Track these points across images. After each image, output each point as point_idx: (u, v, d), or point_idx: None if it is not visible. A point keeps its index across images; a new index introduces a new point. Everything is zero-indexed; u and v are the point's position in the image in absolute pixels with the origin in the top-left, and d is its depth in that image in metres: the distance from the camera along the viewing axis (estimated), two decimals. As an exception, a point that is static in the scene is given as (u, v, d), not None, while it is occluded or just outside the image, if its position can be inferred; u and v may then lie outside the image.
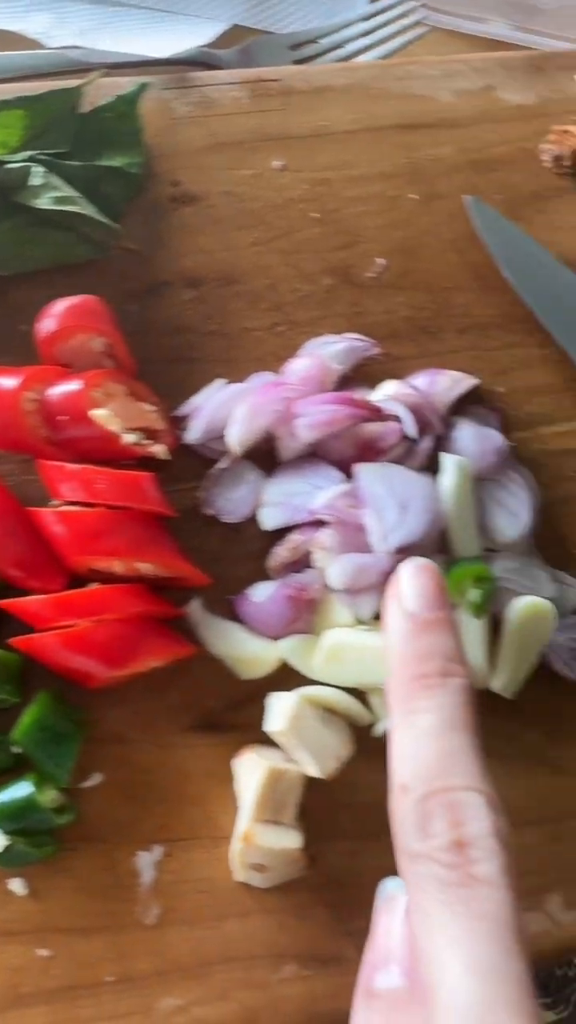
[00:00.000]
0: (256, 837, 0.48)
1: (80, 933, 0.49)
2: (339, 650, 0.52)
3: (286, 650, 0.53)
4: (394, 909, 0.42)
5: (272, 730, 0.50)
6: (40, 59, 0.69)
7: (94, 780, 0.51)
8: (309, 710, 0.51)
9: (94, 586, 0.52)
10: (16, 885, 0.49)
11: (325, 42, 0.75)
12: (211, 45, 0.74)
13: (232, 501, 0.56)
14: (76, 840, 0.51)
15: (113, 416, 0.52)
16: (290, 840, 0.49)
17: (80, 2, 0.75)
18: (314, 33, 0.76)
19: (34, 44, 0.73)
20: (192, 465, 0.57)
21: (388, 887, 0.44)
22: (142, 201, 0.63)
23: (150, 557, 0.51)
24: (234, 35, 0.77)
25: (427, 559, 0.43)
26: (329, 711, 0.52)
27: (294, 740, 0.49)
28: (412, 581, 0.41)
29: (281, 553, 0.55)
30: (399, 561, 0.52)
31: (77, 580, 0.53)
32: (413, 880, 0.35)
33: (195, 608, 0.55)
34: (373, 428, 0.56)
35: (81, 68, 0.69)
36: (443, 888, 0.34)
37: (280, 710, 0.51)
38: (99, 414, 0.52)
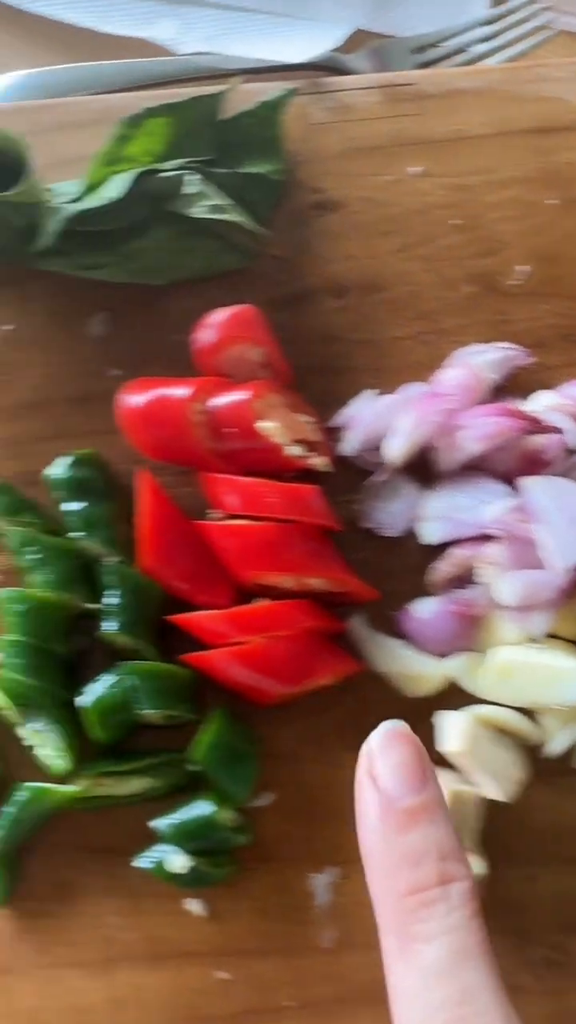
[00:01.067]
0: None
1: (258, 955, 0.48)
2: (509, 668, 0.51)
3: (454, 668, 0.52)
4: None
5: (448, 750, 0.49)
6: (172, 66, 0.68)
7: (266, 799, 0.51)
8: (483, 730, 0.50)
9: (263, 601, 0.51)
10: (194, 905, 0.48)
11: (448, 45, 0.74)
12: (335, 50, 0.73)
13: (390, 514, 0.55)
14: (251, 860, 0.50)
15: (279, 428, 0.52)
16: (473, 866, 0.47)
17: (205, 7, 0.74)
18: (436, 36, 0.75)
19: (161, 51, 0.73)
20: (347, 477, 0.56)
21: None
22: (285, 208, 0.62)
23: (321, 572, 0.50)
24: (355, 40, 0.76)
25: (400, 722, 0.35)
26: (501, 731, 0.51)
27: (472, 761, 0.48)
28: (386, 755, 0.34)
29: (444, 568, 0.54)
30: (572, 578, 0.52)
31: (243, 595, 0.52)
32: None
33: (358, 624, 0.54)
34: (536, 440, 0.54)
35: (212, 75, 0.68)
36: None
37: (454, 730, 0.50)
38: (267, 427, 0.51)
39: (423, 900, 0.31)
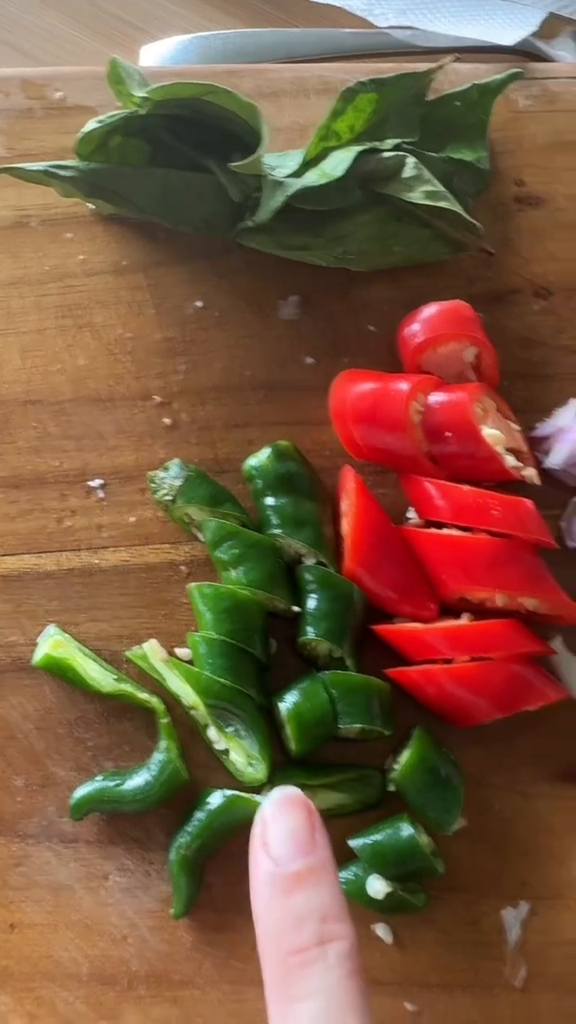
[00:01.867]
0: None
1: (445, 989, 0.46)
2: None
3: None
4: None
5: None
6: (368, 38, 0.64)
7: (457, 825, 0.48)
8: None
9: (469, 617, 0.48)
10: (382, 931, 0.46)
11: None
12: (534, 34, 0.69)
13: (596, 534, 0.53)
14: (438, 890, 0.48)
15: (500, 436, 0.49)
16: None
17: (398, -22, 0.70)
18: None
19: (354, 21, 0.69)
20: (549, 491, 0.53)
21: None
22: (485, 200, 0.59)
23: (536, 592, 0.47)
24: (553, 25, 0.72)
25: (292, 787, 0.37)
26: None
27: None
28: (277, 821, 0.35)
29: None
30: None
31: (445, 607, 0.49)
32: None
33: (559, 647, 0.51)
34: None
35: (410, 51, 0.65)
36: None
37: None
38: (490, 433, 0.48)
39: (302, 960, 0.32)
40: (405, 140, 0.55)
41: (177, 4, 0.69)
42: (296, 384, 0.54)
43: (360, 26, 0.67)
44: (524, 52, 0.68)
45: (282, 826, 0.35)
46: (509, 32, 0.65)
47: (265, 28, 0.66)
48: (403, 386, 0.47)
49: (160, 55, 0.66)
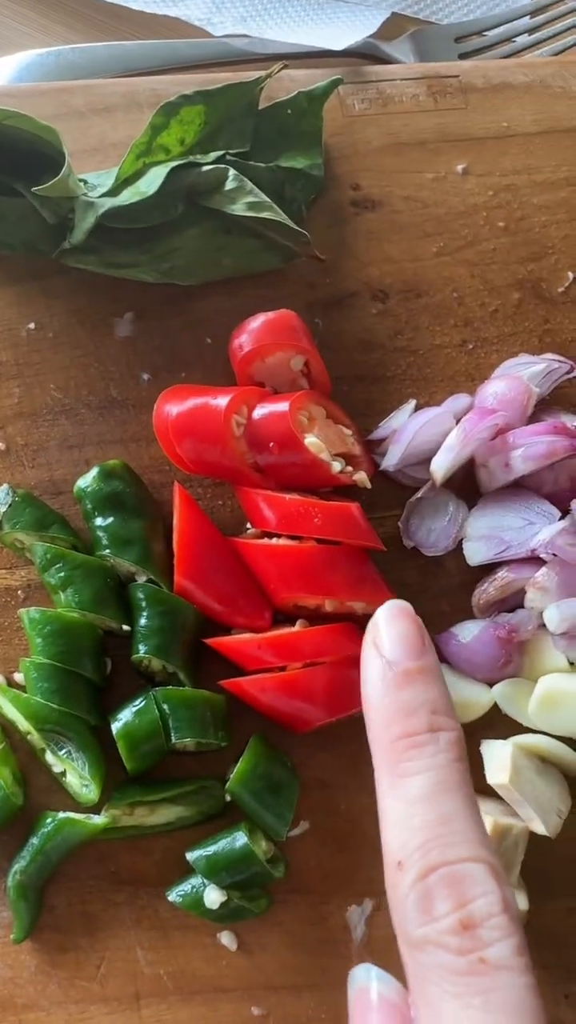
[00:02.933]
0: None
1: (292, 991, 0.47)
2: (555, 697, 0.49)
3: (498, 695, 0.50)
4: (368, 1004, 0.36)
5: (494, 783, 0.48)
6: (205, 48, 0.65)
7: (301, 828, 0.48)
8: (527, 761, 0.48)
9: (302, 624, 0.49)
10: (226, 939, 0.46)
11: (492, 35, 0.71)
12: (373, 36, 0.69)
13: (434, 532, 0.53)
14: (284, 892, 0.48)
15: (322, 444, 0.49)
16: (517, 903, 0.46)
17: (238, -14, 0.71)
18: (479, 25, 0.71)
19: (193, 32, 0.69)
20: (388, 492, 0.54)
21: (358, 977, 0.38)
22: (321, 205, 0.59)
23: (364, 596, 0.48)
24: (393, 25, 0.73)
25: (404, 601, 0.39)
26: (546, 762, 0.50)
27: (517, 794, 0.47)
28: (390, 626, 0.38)
29: (489, 591, 0.52)
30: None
31: (279, 615, 0.50)
32: (418, 970, 0.32)
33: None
34: (588, 459, 0.53)
35: (247, 59, 0.65)
36: (454, 978, 0.30)
37: (498, 760, 0.48)
38: (312, 442, 0.48)
39: (413, 743, 0.34)
40: (232, 151, 0.56)
41: (17, 20, 0.69)
42: (133, 401, 0.54)
43: (199, 36, 0.68)
44: (364, 54, 0.68)
45: (394, 631, 0.37)
46: (344, 36, 0.66)
47: (104, 42, 0.66)
48: (222, 400, 0.47)
49: (-3, 74, 0.66)
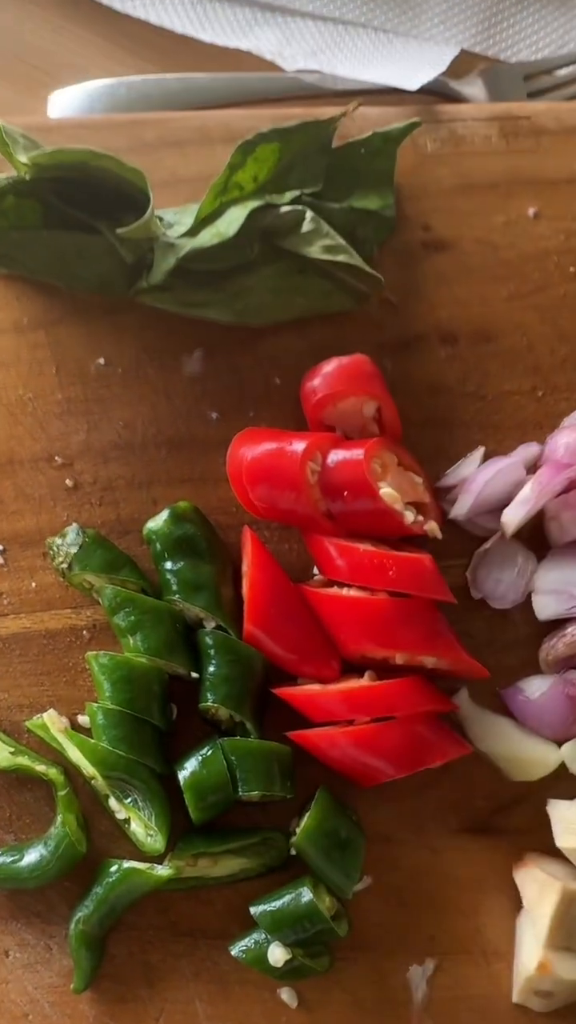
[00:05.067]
0: (553, 967, 0.44)
1: (352, 1051, 0.46)
2: (624, 757, 0.49)
3: (567, 754, 0.49)
4: None
5: (563, 846, 0.47)
6: (276, 83, 0.64)
7: (363, 884, 0.48)
8: None
9: (371, 676, 0.48)
10: (287, 996, 0.46)
11: (562, 74, 0.71)
12: (443, 73, 0.69)
13: (502, 584, 0.52)
14: (345, 949, 0.48)
15: (396, 494, 0.49)
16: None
17: (308, 19, 0.70)
18: (549, 64, 0.71)
19: (262, 66, 0.68)
20: (456, 541, 0.53)
21: None
22: (392, 245, 0.59)
23: (436, 651, 0.47)
24: (463, 63, 0.72)
25: None
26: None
27: None
28: None
29: (558, 647, 0.51)
30: None
31: (346, 664, 0.49)
32: None
33: (464, 700, 0.51)
34: None
35: (319, 94, 0.64)
36: None
37: (567, 822, 0.47)
38: (387, 492, 0.48)
39: None
40: (306, 190, 0.56)
41: (89, 50, 0.69)
42: (201, 440, 0.54)
43: (269, 70, 0.68)
44: (434, 92, 0.68)
45: None
46: (416, 73, 0.65)
47: (172, 72, 0.66)
48: (298, 447, 0.47)
49: (67, 103, 0.66)
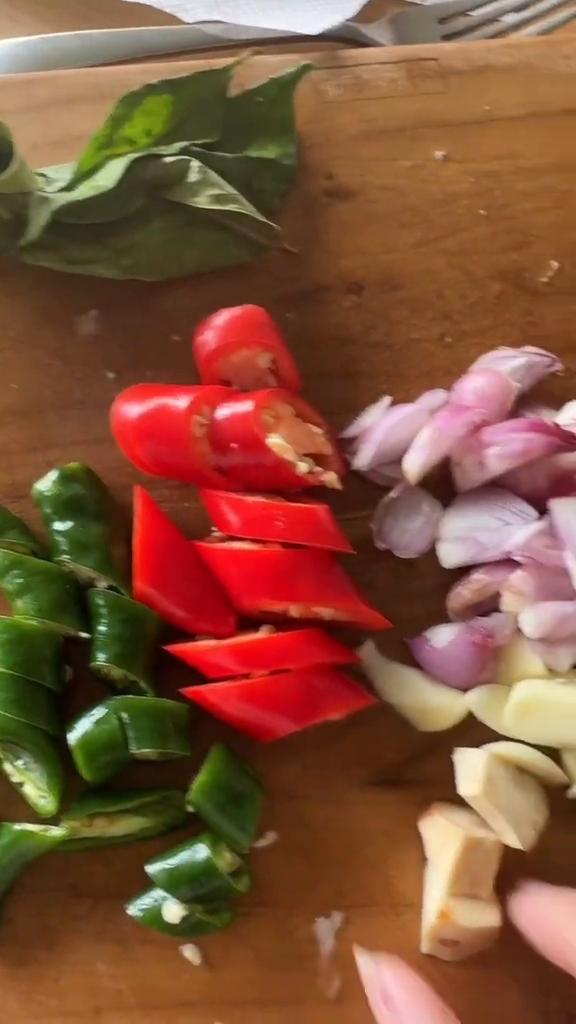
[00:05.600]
0: (455, 915, 0.44)
1: (256, 1005, 0.46)
2: (532, 704, 0.47)
3: (472, 702, 0.49)
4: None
5: (467, 794, 0.46)
6: (176, 36, 0.63)
7: (267, 839, 0.47)
8: (502, 771, 0.47)
9: (267, 630, 0.48)
10: (189, 952, 0.45)
11: (477, 15, 0.69)
12: (353, 18, 0.67)
13: (407, 534, 0.51)
14: (250, 905, 0.47)
15: (287, 443, 0.48)
16: (489, 917, 0.44)
17: (211, -30, 0.69)
18: (465, 5, 0.69)
19: (166, 19, 0.67)
20: (360, 492, 0.52)
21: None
22: (294, 195, 0.57)
23: (331, 601, 0.47)
24: (375, 7, 0.71)
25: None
26: (521, 771, 0.48)
27: (490, 806, 0.45)
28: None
29: (464, 594, 0.50)
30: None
31: (245, 620, 0.49)
32: None
33: (369, 652, 0.50)
34: (568, 458, 0.50)
35: (220, 45, 0.63)
36: None
37: (471, 771, 0.47)
38: (275, 442, 0.47)
39: None
40: (200, 141, 0.54)
41: (-11, 11, 0.68)
42: (98, 401, 0.53)
43: (171, 24, 0.66)
44: (344, 39, 0.66)
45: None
46: (322, 20, 0.64)
47: (76, 31, 0.64)
48: (182, 401, 0.46)
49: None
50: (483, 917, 0.44)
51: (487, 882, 0.45)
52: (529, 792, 0.47)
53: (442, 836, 0.45)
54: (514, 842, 0.44)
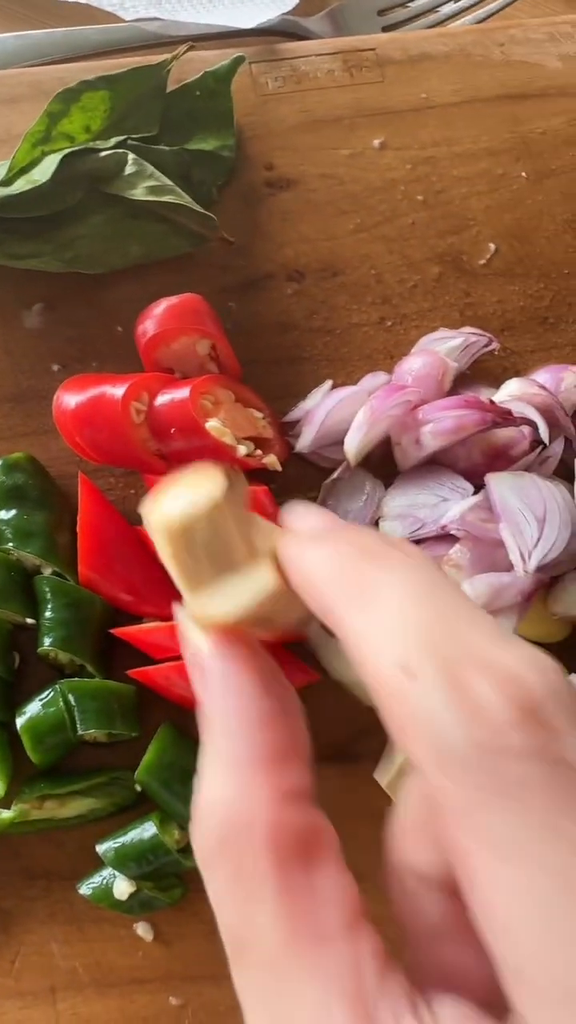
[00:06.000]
0: (209, 610, 0.28)
1: (211, 980, 0.46)
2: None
3: (416, 675, 0.50)
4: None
5: (379, 779, 0.47)
6: (117, 33, 0.64)
7: (215, 818, 0.48)
8: None
9: (211, 611, 0.49)
10: (142, 930, 0.46)
11: (415, 6, 0.70)
12: (292, 12, 0.69)
13: (350, 513, 0.52)
14: (201, 881, 0.48)
15: (225, 427, 0.49)
16: (258, 581, 0.28)
17: (151, -32, 0.70)
18: (402, -4, 0.70)
19: (109, 18, 0.68)
20: (304, 474, 0.53)
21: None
22: (235, 187, 0.59)
23: (272, 579, 0.48)
24: (313, 2, 0.72)
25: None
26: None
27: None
28: (306, 518, 0.28)
29: (406, 570, 0.51)
30: (539, 580, 0.49)
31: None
32: (471, 799, 0.21)
33: (314, 630, 0.51)
34: (503, 434, 0.51)
35: (161, 42, 0.64)
36: (530, 794, 0.20)
37: (389, 762, 0.47)
38: (213, 426, 0.48)
39: (377, 559, 0.25)
40: (133, 136, 0.55)
41: None
42: (43, 393, 0.54)
43: (110, 21, 0.67)
44: (283, 32, 0.67)
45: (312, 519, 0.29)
46: (259, 14, 0.65)
47: (14, 32, 0.65)
48: (119, 389, 0.47)
49: None
50: (248, 586, 0.28)
51: (237, 545, 0.28)
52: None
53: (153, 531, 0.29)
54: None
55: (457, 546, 0.49)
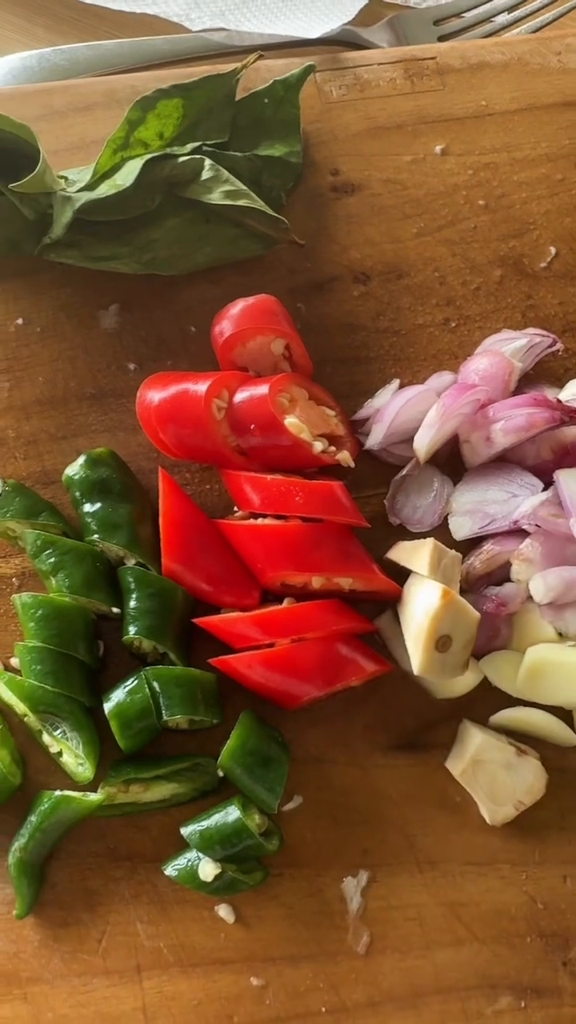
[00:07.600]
0: (453, 595, 0.45)
1: (290, 961, 0.48)
2: (543, 668, 0.50)
3: (487, 668, 0.51)
4: None
5: (451, 769, 0.48)
6: (183, 43, 0.66)
7: (295, 803, 0.49)
8: (495, 754, 0.48)
9: (290, 601, 0.50)
10: (224, 912, 0.47)
11: (470, 16, 0.71)
12: (352, 22, 0.70)
13: (419, 509, 0.54)
14: (280, 865, 0.49)
15: (303, 425, 0.50)
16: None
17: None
18: (459, 6, 0.72)
19: (173, 28, 0.70)
20: (373, 471, 0.55)
21: None
22: (301, 192, 0.60)
23: (349, 571, 0.49)
24: (372, 12, 0.73)
25: None
26: (520, 752, 0.49)
27: (472, 784, 0.48)
28: None
29: (476, 565, 0.52)
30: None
31: (269, 594, 0.51)
32: None
33: (386, 622, 0.52)
34: (570, 431, 0.52)
35: (225, 52, 0.66)
36: None
37: (462, 749, 0.48)
38: (292, 423, 0.49)
39: None
40: (208, 142, 0.57)
41: (6, 28, 0.70)
42: (121, 391, 0.56)
43: (178, 32, 0.69)
44: (344, 42, 0.69)
45: None
46: (322, 25, 0.66)
47: (86, 43, 0.67)
48: (202, 386, 0.48)
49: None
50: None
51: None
52: (523, 773, 0.48)
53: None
54: (486, 816, 0.47)
55: (528, 540, 0.50)
